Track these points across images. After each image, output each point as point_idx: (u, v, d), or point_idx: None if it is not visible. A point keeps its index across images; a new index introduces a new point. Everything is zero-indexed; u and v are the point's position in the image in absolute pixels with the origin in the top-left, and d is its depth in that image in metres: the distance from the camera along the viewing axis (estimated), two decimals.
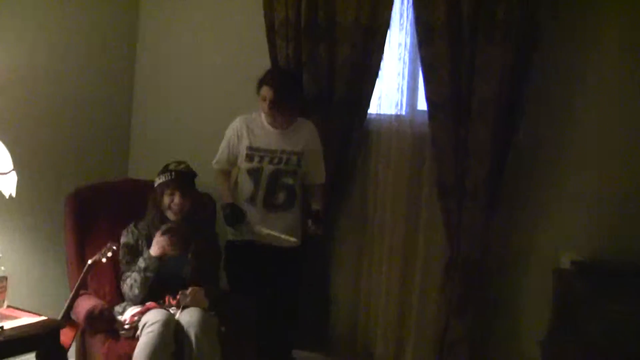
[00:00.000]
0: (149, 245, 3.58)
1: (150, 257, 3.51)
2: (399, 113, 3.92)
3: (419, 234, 3.89)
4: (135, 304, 3.52)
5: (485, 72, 3.52)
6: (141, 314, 3.40)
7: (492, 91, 3.52)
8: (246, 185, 3.80)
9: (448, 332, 3.72)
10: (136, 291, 3.51)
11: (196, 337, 3.31)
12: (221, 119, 4.06)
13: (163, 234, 3.52)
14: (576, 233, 3.60)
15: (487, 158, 3.57)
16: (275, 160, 3.73)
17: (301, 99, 3.82)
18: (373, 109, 3.99)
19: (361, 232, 4.07)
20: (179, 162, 3.68)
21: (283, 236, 3.79)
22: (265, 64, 4.02)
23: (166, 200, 3.60)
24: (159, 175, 3.66)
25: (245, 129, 3.79)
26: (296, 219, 3.83)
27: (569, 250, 3.52)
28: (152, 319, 3.31)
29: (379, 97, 3.98)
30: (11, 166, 3.28)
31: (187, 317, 3.38)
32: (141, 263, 3.52)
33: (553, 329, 3.37)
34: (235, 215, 3.74)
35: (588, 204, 3.59)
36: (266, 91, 3.68)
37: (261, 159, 3.74)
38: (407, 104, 3.91)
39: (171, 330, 3.31)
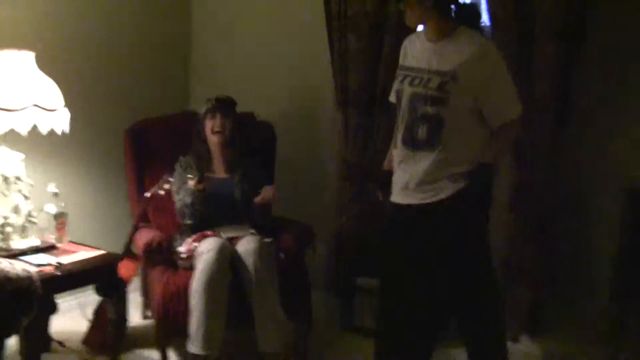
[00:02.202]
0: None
1: (192, 190, 3.52)
2: None
3: None
4: (192, 218, 3.56)
5: None
6: (197, 242, 3.42)
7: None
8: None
9: (514, 256, 3.56)
10: (188, 221, 3.55)
11: (255, 264, 3.31)
12: (282, 48, 4.00)
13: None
14: None
15: (554, 71, 3.34)
16: (416, 81, 2.84)
17: None
18: None
19: None
20: (219, 94, 3.73)
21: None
22: None
23: (208, 125, 3.67)
24: (203, 107, 3.73)
25: (405, 49, 3.02)
26: (446, 164, 2.81)
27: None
28: (206, 247, 3.33)
29: None
30: (63, 103, 3.29)
31: (245, 245, 3.38)
32: (187, 198, 3.54)
33: (623, 247, 3.21)
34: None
35: None
36: None
37: (403, 78, 2.90)
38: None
39: (227, 257, 3.32)
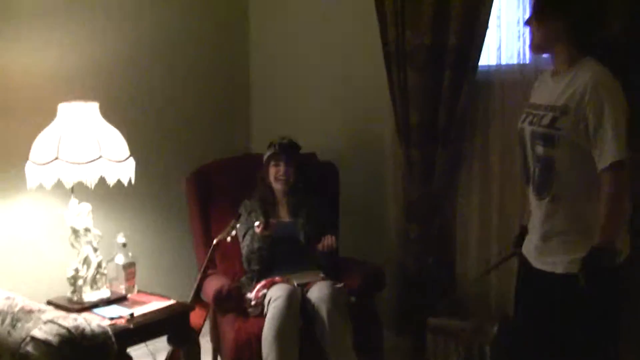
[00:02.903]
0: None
1: (258, 236, 3.53)
2: (521, 62, 3.59)
3: None
4: (259, 263, 3.56)
5: None
6: (265, 288, 3.39)
7: None
8: None
9: None
10: (255, 267, 3.56)
11: (328, 312, 3.27)
12: (339, 90, 3.94)
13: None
14: None
15: None
16: (533, 119, 2.62)
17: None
18: (492, 60, 3.71)
19: (483, 190, 3.80)
20: (283, 137, 3.74)
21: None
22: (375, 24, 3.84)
23: (272, 172, 3.69)
24: (266, 151, 3.74)
25: (535, 86, 2.82)
26: (556, 219, 2.58)
27: None
28: (275, 294, 3.30)
29: (498, 48, 3.68)
30: (128, 153, 3.30)
31: (317, 293, 3.35)
32: (254, 243, 3.55)
33: None
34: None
35: None
36: None
37: (525, 117, 2.68)
38: (530, 52, 3.54)
39: (297, 304, 3.29)
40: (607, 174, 2.42)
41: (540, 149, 2.56)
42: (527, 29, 2.71)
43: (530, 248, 2.72)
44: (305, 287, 3.42)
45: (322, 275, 3.51)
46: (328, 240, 3.56)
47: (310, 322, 3.31)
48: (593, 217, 2.46)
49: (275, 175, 3.68)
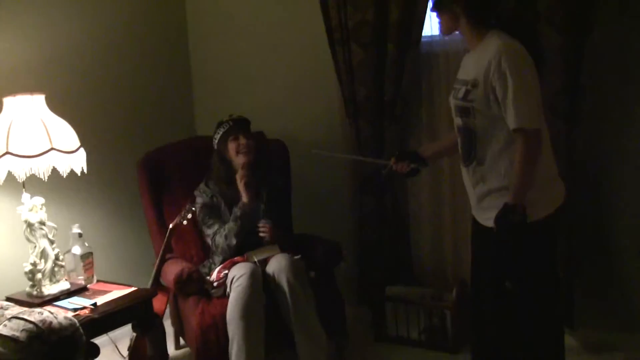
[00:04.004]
0: (225, 201, 3.59)
1: (244, 204, 3.51)
2: None
3: None
4: (229, 255, 3.51)
5: None
6: (226, 269, 3.40)
7: None
8: None
9: None
10: (233, 240, 3.51)
11: (288, 282, 3.30)
12: (286, 64, 4.00)
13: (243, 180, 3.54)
14: None
15: (560, 62, 3.32)
16: (455, 93, 2.82)
17: None
18: (435, 31, 3.79)
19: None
20: (231, 114, 3.70)
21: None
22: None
23: (232, 147, 3.61)
24: (215, 131, 3.69)
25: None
26: (483, 180, 2.78)
27: None
28: (238, 273, 3.31)
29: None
30: (78, 144, 3.26)
31: (276, 265, 3.37)
32: (236, 212, 3.51)
33: None
34: None
35: None
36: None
37: (453, 90, 2.87)
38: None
39: (259, 281, 3.31)
40: (516, 138, 2.60)
41: (459, 120, 2.78)
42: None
43: (474, 210, 2.91)
44: (265, 262, 3.43)
45: (279, 248, 3.52)
46: (263, 231, 3.56)
47: (274, 297, 3.34)
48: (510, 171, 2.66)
49: (237, 149, 3.59)
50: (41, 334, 2.50)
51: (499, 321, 2.87)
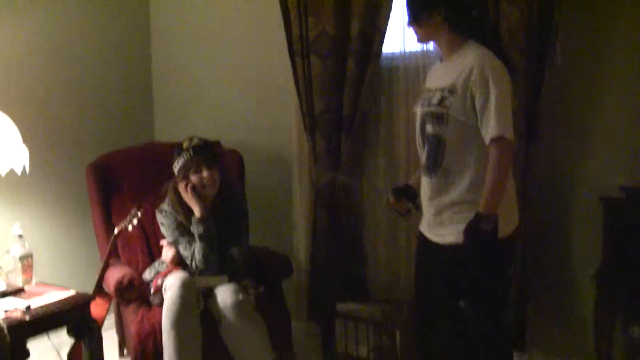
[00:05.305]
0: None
1: (199, 220, 3.34)
2: (425, 48, 3.62)
3: None
4: (212, 271, 3.36)
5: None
6: (163, 277, 3.33)
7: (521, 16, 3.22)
8: None
9: None
10: (210, 257, 3.34)
11: (233, 324, 3.21)
12: (242, 78, 3.92)
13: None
14: (625, 156, 3.30)
15: (522, 84, 3.30)
16: (424, 101, 2.76)
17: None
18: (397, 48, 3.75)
19: (390, 176, 3.84)
20: (191, 138, 3.42)
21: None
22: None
23: (195, 180, 3.36)
24: (175, 159, 3.41)
25: (428, 75, 2.98)
26: (446, 191, 2.71)
27: (617, 176, 3.24)
28: (170, 282, 3.23)
29: (403, 34, 3.71)
30: (20, 140, 3.18)
31: (221, 301, 3.25)
32: (198, 230, 3.33)
33: (605, 261, 3.14)
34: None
35: (635, 124, 3.29)
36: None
37: (419, 101, 2.83)
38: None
39: (192, 292, 3.20)
40: (491, 148, 2.55)
41: (429, 128, 2.69)
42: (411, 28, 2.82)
43: (424, 225, 2.84)
44: (211, 290, 3.33)
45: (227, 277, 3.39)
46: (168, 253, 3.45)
47: (217, 328, 3.25)
48: (482, 189, 2.58)
49: (200, 182, 3.35)
50: None
51: (450, 340, 2.81)
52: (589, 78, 3.38)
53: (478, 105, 2.56)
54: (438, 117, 2.65)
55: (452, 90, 2.62)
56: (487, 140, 2.56)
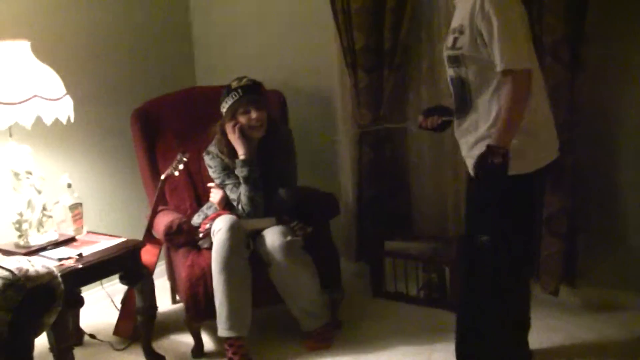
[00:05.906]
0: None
1: (243, 162, 3.32)
2: None
3: None
4: (259, 213, 3.35)
5: None
6: (212, 220, 3.33)
7: None
8: None
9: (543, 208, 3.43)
10: (256, 199, 3.33)
11: (282, 265, 3.22)
12: (282, 15, 3.90)
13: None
14: None
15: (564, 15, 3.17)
16: (445, 45, 2.73)
17: None
18: None
19: None
20: (239, 78, 3.36)
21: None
22: None
23: (242, 120, 3.32)
24: (224, 99, 3.35)
25: None
26: (477, 129, 2.66)
27: None
28: (218, 226, 3.23)
29: None
30: (64, 91, 3.18)
31: (269, 242, 3.25)
32: (242, 172, 3.32)
33: None
34: None
35: None
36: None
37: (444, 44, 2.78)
38: None
39: (239, 235, 3.20)
40: (503, 81, 2.50)
41: (451, 71, 2.68)
42: None
43: (466, 159, 2.80)
44: (258, 232, 3.32)
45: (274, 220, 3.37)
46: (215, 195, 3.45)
47: (266, 270, 3.27)
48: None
49: (248, 123, 3.31)
50: (17, 282, 2.48)
51: (468, 274, 2.80)
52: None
53: (487, 40, 2.49)
54: (455, 59, 2.62)
55: (461, 30, 2.56)
56: (499, 70, 2.48)
